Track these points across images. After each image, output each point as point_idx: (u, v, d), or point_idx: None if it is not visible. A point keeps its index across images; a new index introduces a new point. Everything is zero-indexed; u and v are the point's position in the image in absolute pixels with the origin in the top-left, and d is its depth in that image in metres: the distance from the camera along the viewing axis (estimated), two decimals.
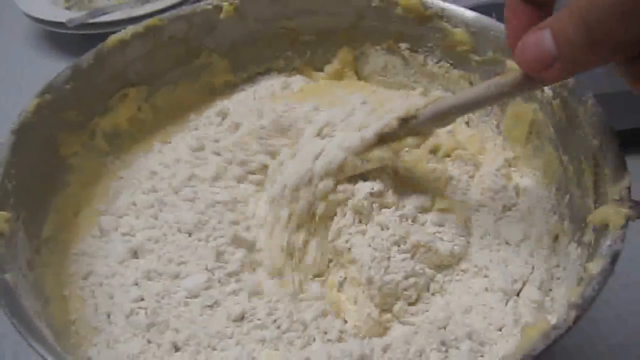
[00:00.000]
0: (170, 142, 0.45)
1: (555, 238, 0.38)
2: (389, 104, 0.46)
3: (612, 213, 0.31)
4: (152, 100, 0.47)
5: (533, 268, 0.37)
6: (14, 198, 0.35)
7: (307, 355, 0.32)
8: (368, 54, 0.50)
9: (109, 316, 0.35)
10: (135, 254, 0.38)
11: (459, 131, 0.46)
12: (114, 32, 0.44)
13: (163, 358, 0.33)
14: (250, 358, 0.32)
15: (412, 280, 0.35)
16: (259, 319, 0.34)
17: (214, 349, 0.33)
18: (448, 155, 0.43)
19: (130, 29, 0.44)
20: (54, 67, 0.44)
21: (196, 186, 0.40)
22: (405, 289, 0.35)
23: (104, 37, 0.43)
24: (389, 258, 0.35)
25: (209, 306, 0.35)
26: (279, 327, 0.34)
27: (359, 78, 0.52)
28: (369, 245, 0.36)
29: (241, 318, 0.34)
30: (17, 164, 0.36)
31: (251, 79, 0.51)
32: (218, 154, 0.42)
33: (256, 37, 0.50)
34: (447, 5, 0.45)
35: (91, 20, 0.70)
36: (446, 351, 0.33)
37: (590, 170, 0.34)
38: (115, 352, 0.33)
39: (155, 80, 0.47)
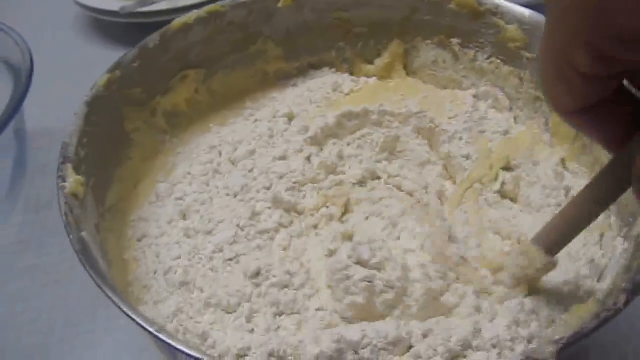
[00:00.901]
0: (227, 126, 0.47)
1: (602, 235, 0.39)
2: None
3: None
4: (209, 83, 0.49)
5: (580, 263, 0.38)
6: (85, 165, 0.37)
7: (340, 332, 0.31)
8: (419, 48, 0.51)
9: (155, 274, 0.37)
10: (183, 216, 0.40)
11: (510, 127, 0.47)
12: (160, 22, 0.47)
13: (195, 318, 0.34)
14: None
15: None
16: (274, 276, 0.35)
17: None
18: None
19: (194, 14, 0.46)
20: (102, 55, 0.46)
21: (256, 160, 0.42)
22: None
23: (151, 26, 0.46)
24: None
25: (229, 259, 0.36)
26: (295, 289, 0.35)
27: (408, 72, 0.52)
28: None
29: (257, 275, 0.35)
30: (88, 133, 0.38)
31: (303, 71, 0.53)
32: (288, 141, 0.44)
33: (311, 27, 0.51)
34: (501, 2, 0.46)
35: (140, 10, 0.73)
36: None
37: None
38: (158, 310, 0.35)
39: (213, 64, 0.49)
